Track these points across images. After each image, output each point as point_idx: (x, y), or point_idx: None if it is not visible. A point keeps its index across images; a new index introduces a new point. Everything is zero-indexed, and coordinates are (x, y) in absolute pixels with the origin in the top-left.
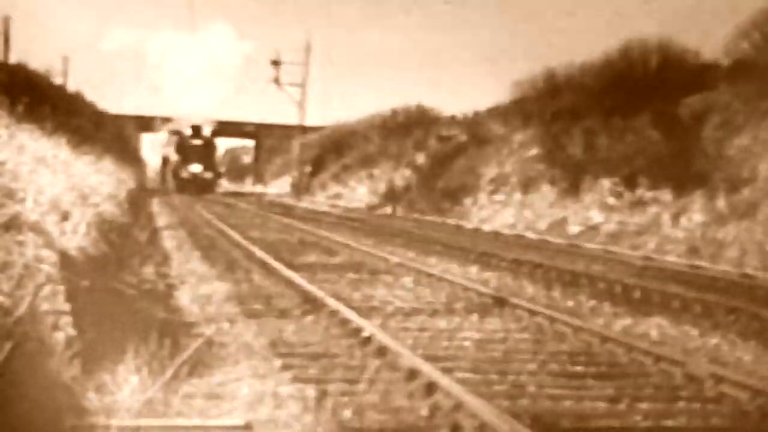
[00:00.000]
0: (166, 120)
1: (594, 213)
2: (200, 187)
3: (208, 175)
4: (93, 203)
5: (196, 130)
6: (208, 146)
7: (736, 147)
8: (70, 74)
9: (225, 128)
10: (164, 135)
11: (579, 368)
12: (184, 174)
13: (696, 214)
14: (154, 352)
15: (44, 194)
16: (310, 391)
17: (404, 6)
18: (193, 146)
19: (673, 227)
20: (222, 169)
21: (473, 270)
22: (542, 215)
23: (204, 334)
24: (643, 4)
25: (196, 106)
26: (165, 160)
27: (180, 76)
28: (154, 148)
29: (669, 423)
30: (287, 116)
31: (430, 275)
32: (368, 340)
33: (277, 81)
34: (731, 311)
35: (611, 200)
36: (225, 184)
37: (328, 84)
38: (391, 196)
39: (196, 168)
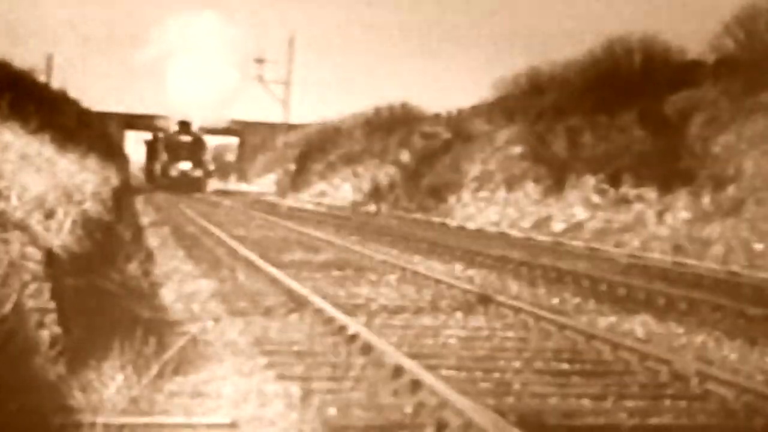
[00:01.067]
0: (153, 117)
1: (578, 210)
2: (189, 186)
3: (198, 173)
4: (77, 201)
5: (185, 126)
6: (197, 143)
7: (722, 144)
8: (54, 71)
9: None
10: (150, 132)
11: (564, 366)
12: (173, 172)
13: (681, 212)
14: (138, 350)
15: (29, 192)
16: (295, 389)
17: (388, 3)
18: (182, 143)
19: (657, 225)
20: (212, 167)
21: (458, 267)
22: (526, 213)
23: (189, 332)
24: (627, 2)
25: (183, 103)
26: (151, 158)
27: (166, 72)
28: (138, 146)
29: (655, 420)
30: (271, 114)
31: (414, 273)
32: (353, 337)
33: (261, 78)
34: (717, 309)
35: (596, 198)
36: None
37: (312, 81)
38: (376, 193)
39: (185, 165)
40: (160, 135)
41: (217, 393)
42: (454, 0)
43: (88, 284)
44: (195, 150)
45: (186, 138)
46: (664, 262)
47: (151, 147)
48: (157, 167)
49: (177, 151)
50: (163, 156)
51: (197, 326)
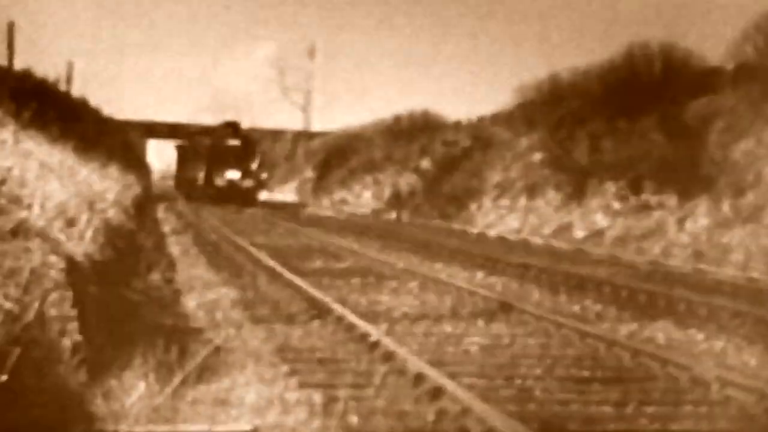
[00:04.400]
0: (175, 125)
1: (599, 217)
2: (238, 198)
3: (248, 183)
4: (99, 209)
5: (233, 127)
6: (247, 148)
7: (741, 151)
8: (75, 80)
9: None
10: (175, 139)
11: (586, 372)
12: (219, 181)
13: (701, 218)
14: (161, 358)
15: (51, 200)
16: (317, 397)
17: (408, 11)
18: (229, 148)
19: (678, 231)
20: (264, 176)
21: (479, 275)
22: (547, 220)
23: (211, 341)
24: (646, 8)
25: (200, 111)
26: (184, 165)
27: (183, 79)
28: (165, 152)
29: (675, 426)
30: (292, 122)
31: (435, 280)
32: (375, 345)
33: (281, 86)
34: (737, 315)
35: (616, 205)
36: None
37: (333, 89)
38: (397, 201)
39: (233, 174)
40: (203, 139)
41: (239, 400)
42: (474, 7)
43: (110, 292)
44: (244, 156)
45: (234, 142)
46: (685, 269)
47: (185, 153)
48: (200, 176)
49: (223, 157)
50: (207, 163)
51: (219, 334)
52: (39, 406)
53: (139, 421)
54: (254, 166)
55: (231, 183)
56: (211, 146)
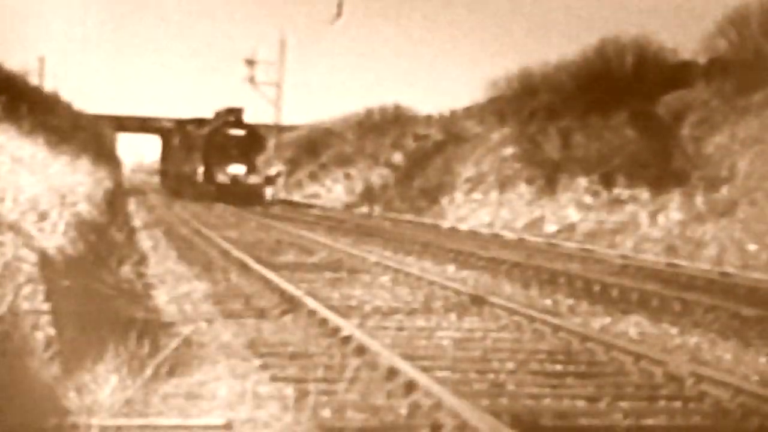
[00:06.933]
0: (145, 119)
1: (571, 212)
2: (244, 196)
3: (254, 179)
4: (71, 203)
5: (236, 115)
6: (253, 138)
7: (715, 145)
8: (47, 74)
9: None
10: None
11: (558, 367)
12: (221, 177)
13: (674, 213)
14: (133, 351)
15: (23, 194)
16: (289, 391)
17: (379, 4)
18: (232, 138)
19: (650, 226)
20: (273, 171)
21: (451, 269)
22: (519, 214)
23: (182, 334)
24: (618, 1)
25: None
26: (168, 156)
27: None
28: (137, 145)
29: (649, 422)
30: (262, 115)
31: (408, 274)
32: (347, 339)
33: (251, 80)
34: (711, 310)
35: (588, 199)
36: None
37: (304, 82)
38: (368, 195)
39: (237, 169)
40: (198, 128)
41: (211, 394)
42: (445, 1)
43: (82, 286)
44: (249, 148)
45: (237, 132)
46: (658, 263)
47: (174, 144)
48: (197, 170)
49: (225, 150)
50: (205, 156)
51: (191, 328)
52: (12, 399)
53: (111, 414)
54: (261, 159)
55: (235, 179)
56: (209, 136)
